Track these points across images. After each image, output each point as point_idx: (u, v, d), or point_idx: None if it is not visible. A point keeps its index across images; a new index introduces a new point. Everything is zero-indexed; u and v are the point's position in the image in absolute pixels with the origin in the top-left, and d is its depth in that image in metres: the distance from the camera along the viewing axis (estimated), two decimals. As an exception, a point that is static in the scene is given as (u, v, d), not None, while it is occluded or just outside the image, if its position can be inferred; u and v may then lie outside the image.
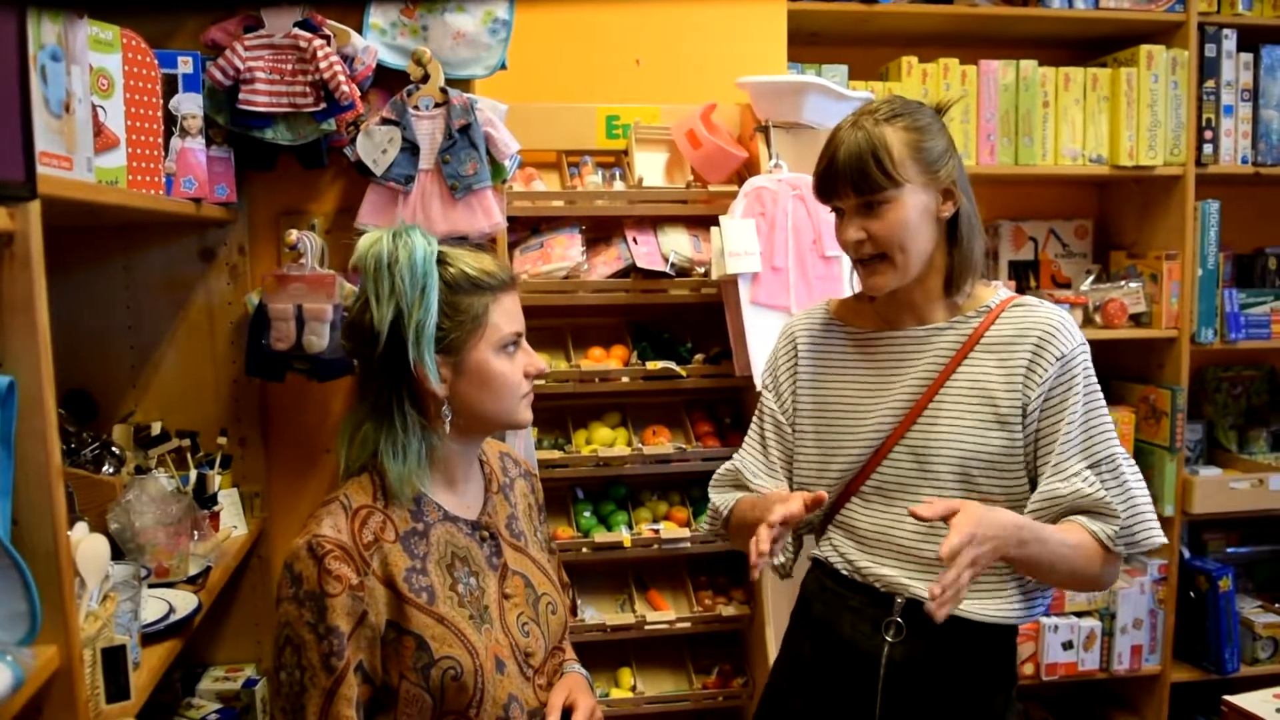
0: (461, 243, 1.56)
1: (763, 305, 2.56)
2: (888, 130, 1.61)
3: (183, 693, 2.32)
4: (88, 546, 1.44)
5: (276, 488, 2.47)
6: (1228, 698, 2.26)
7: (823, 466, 1.76)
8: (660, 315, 2.91)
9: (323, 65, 2.16)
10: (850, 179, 1.61)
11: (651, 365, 2.72)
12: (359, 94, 2.24)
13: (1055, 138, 3.09)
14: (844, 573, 1.73)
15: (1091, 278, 3.27)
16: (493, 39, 2.36)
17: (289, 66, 2.20)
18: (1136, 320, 3.16)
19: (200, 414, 2.39)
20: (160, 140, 1.88)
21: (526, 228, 2.77)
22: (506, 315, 1.49)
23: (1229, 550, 3.45)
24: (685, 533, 2.72)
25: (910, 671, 1.65)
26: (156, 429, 2.21)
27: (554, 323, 2.83)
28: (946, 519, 1.43)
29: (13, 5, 1.15)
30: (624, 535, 2.68)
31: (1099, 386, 1.65)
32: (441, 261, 1.45)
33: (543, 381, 2.62)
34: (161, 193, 1.88)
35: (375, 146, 2.28)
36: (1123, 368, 3.32)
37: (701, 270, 2.73)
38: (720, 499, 1.88)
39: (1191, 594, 3.23)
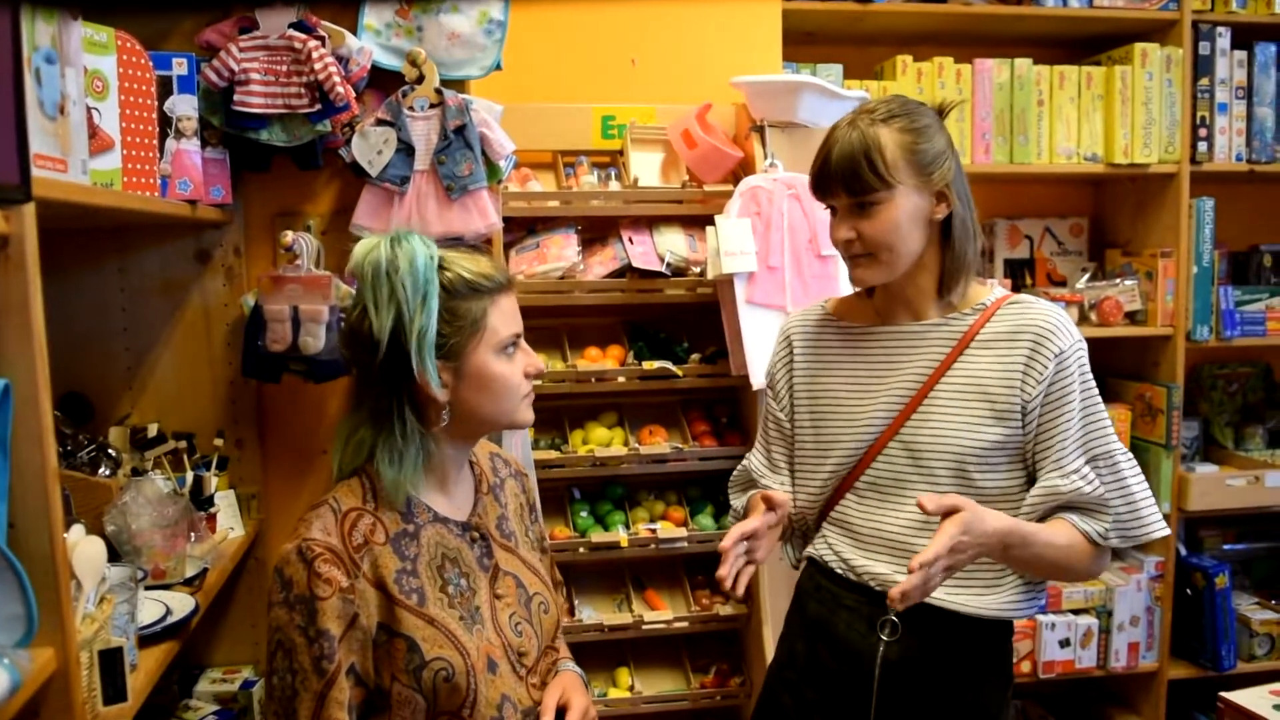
0: (457, 245, 1.55)
1: (758, 305, 2.56)
2: (883, 131, 1.61)
3: (180, 694, 2.31)
4: (84, 549, 1.44)
5: (273, 489, 2.47)
6: (1224, 694, 2.26)
7: (819, 462, 1.77)
8: (656, 315, 2.91)
9: (318, 66, 2.16)
10: (842, 179, 1.62)
11: (648, 365, 2.72)
12: (354, 95, 2.24)
13: (1050, 136, 3.09)
14: (839, 571, 1.73)
15: (1087, 276, 3.28)
16: (488, 39, 2.36)
17: (284, 68, 2.19)
18: (1132, 318, 3.16)
19: (196, 416, 2.38)
20: (155, 142, 1.88)
21: (522, 228, 2.77)
22: (505, 317, 1.49)
23: (1225, 547, 3.45)
24: (682, 532, 2.72)
25: (905, 670, 1.65)
26: (153, 431, 2.21)
27: (550, 323, 2.83)
28: (945, 515, 1.44)
29: (7, 5, 1.15)
30: (621, 535, 2.68)
31: (1095, 383, 1.66)
32: (439, 266, 1.44)
33: (539, 382, 2.60)
34: (156, 194, 1.88)
35: (370, 147, 2.28)
36: (1118, 365, 3.32)
37: (697, 270, 2.74)
38: (737, 502, 1.92)
39: (1188, 591, 3.23)
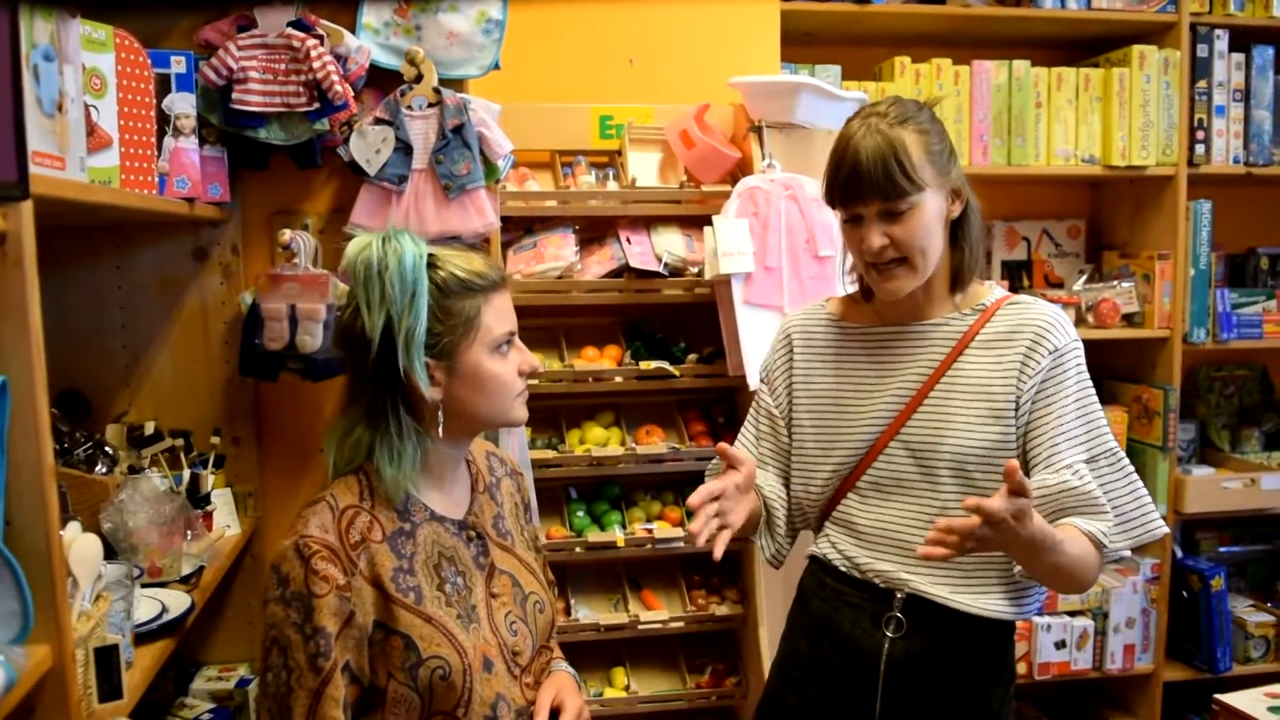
0: (451, 243, 1.55)
1: (756, 305, 2.56)
2: (904, 134, 1.60)
3: (176, 692, 2.31)
4: (80, 546, 1.44)
5: (270, 487, 2.47)
6: (1219, 696, 2.26)
7: (820, 461, 1.77)
8: (654, 315, 2.91)
9: (316, 65, 2.16)
10: (877, 185, 1.58)
11: (645, 365, 2.72)
12: (352, 94, 2.24)
13: (1048, 138, 3.10)
14: (842, 569, 1.74)
15: (1084, 277, 3.28)
16: (486, 39, 2.36)
17: (282, 66, 2.20)
18: (1129, 320, 3.17)
19: (193, 413, 2.38)
20: (153, 140, 1.88)
21: (520, 227, 2.77)
22: (498, 315, 1.49)
23: (1221, 550, 3.46)
24: (679, 532, 2.72)
25: (910, 667, 1.66)
26: (150, 428, 2.21)
27: (547, 322, 2.83)
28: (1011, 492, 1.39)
29: (6, 3, 1.15)
30: (617, 535, 2.68)
31: (1092, 383, 1.66)
32: (431, 265, 1.44)
33: (536, 381, 2.63)
34: (154, 192, 1.88)
35: (369, 146, 2.28)
36: (1115, 368, 3.33)
37: (695, 270, 2.74)
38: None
39: (1184, 593, 3.23)
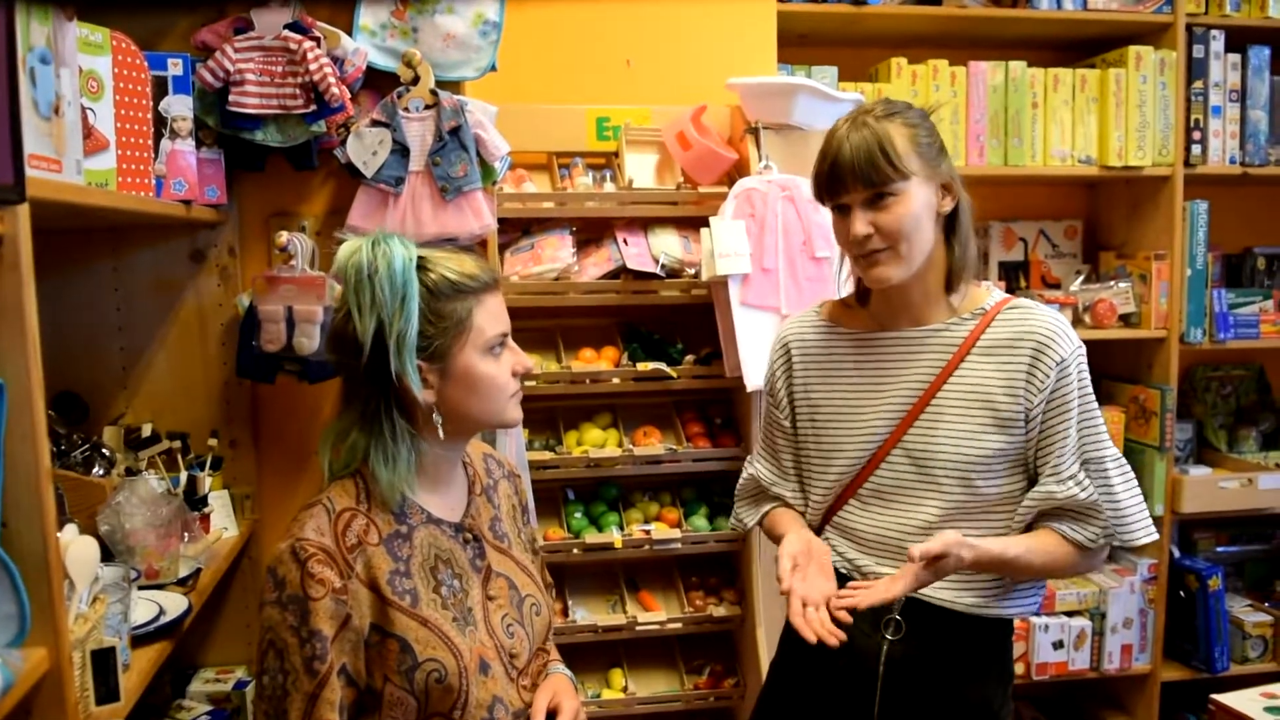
0: (442, 245, 1.54)
1: (753, 306, 2.57)
2: (889, 125, 1.62)
3: (173, 694, 2.31)
4: (77, 548, 1.44)
5: (267, 489, 2.47)
6: (1215, 696, 2.27)
7: (822, 469, 1.78)
8: (651, 316, 2.91)
9: (313, 67, 2.16)
10: (859, 172, 1.60)
11: (642, 366, 2.72)
12: (349, 96, 2.24)
13: (1044, 139, 3.10)
14: (844, 571, 1.74)
15: (1081, 278, 3.29)
16: (483, 41, 2.37)
17: (279, 68, 2.20)
18: (1126, 320, 3.17)
19: (191, 416, 2.38)
20: (150, 142, 1.88)
21: (517, 229, 2.77)
22: (491, 317, 1.49)
23: (1219, 549, 3.47)
24: (676, 534, 2.72)
25: (909, 669, 1.66)
26: (147, 431, 2.21)
27: (544, 324, 2.84)
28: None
29: (2, 5, 1.15)
30: (615, 536, 2.69)
31: (1091, 388, 1.67)
32: (422, 267, 1.43)
33: (533, 383, 2.63)
34: (151, 194, 1.88)
35: (365, 148, 2.28)
36: (1112, 368, 3.33)
37: (692, 271, 2.74)
38: (747, 516, 1.93)
39: (1181, 593, 3.24)
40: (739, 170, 2.74)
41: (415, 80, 2.30)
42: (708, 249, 2.57)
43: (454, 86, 2.37)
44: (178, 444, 2.25)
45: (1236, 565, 3.49)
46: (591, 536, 2.69)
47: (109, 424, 2.25)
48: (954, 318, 1.70)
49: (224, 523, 2.33)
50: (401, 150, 2.29)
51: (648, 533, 2.71)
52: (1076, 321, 3.13)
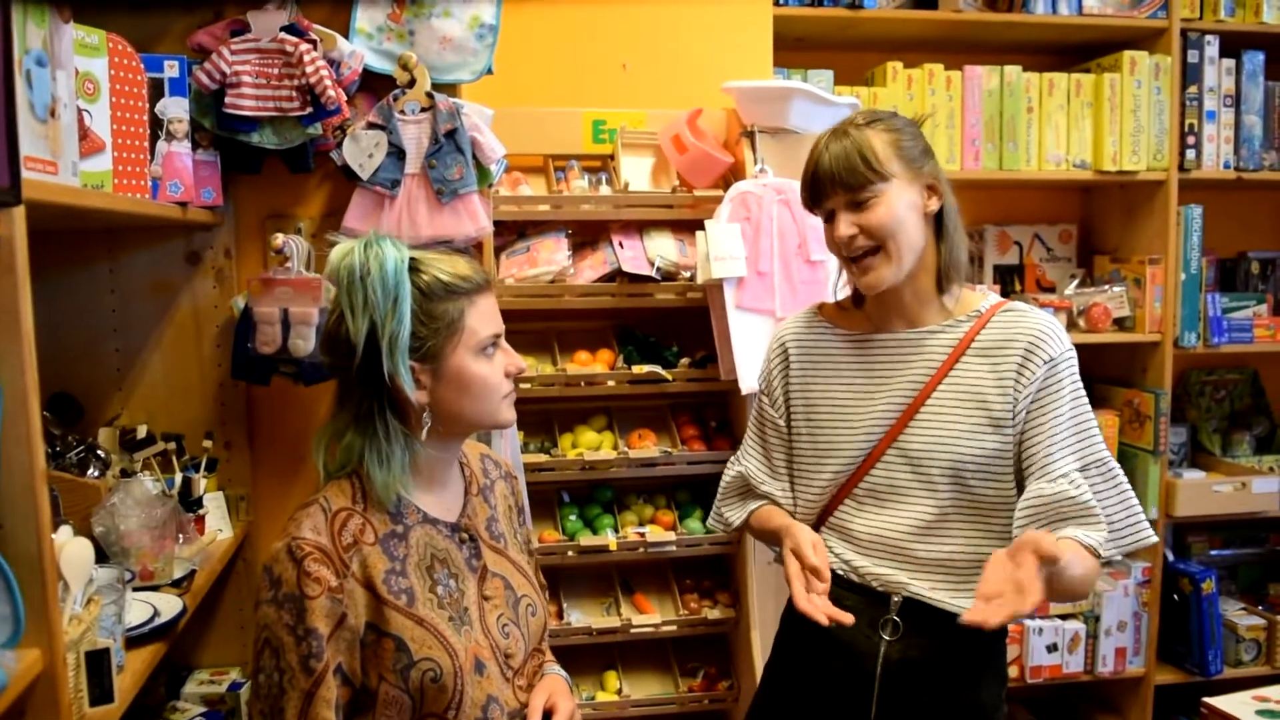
0: (435, 247, 1.55)
1: (748, 309, 2.57)
2: (869, 132, 1.66)
3: (167, 696, 2.31)
4: (72, 550, 1.44)
5: (262, 491, 2.47)
6: (1207, 699, 2.27)
7: (816, 469, 1.78)
8: (646, 319, 2.91)
9: (309, 70, 2.17)
10: (838, 178, 1.64)
11: (637, 369, 2.72)
12: (345, 98, 2.25)
13: (1039, 143, 3.11)
14: (840, 572, 1.74)
15: (1076, 282, 3.29)
16: (479, 44, 2.37)
17: (275, 71, 2.20)
18: (1120, 324, 3.18)
19: (186, 417, 2.39)
20: (146, 144, 1.88)
21: (512, 232, 2.78)
22: (483, 318, 1.49)
23: (1212, 553, 3.47)
24: (671, 536, 2.72)
25: (906, 670, 1.67)
26: (142, 432, 2.21)
27: (540, 326, 2.84)
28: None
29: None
30: (610, 539, 2.69)
31: (1085, 392, 1.67)
32: (414, 269, 1.44)
33: (528, 385, 2.63)
34: (147, 196, 1.88)
35: (361, 151, 2.29)
36: (1106, 372, 3.34)
37: (687, 274, 2.74)
38: (733, 514, 1.93)
39: (1175, 596, 3.24)
40: (734, 174, 2.75)
41: (411, 83, 2.30)
42: (703, 252, 2.58)
43: (450, 89, 2.37)
44: (173, 445, 2.25)
45: (1230, 569, 3.50)
46: (586, 539, 2.69)
47: (104, 425, 2.25)
48: (949, 320, 1.72)
49: (219, 524, 2.33)
50: (397, 153, 2.29)
51: (642, 535, 2.71)
52: (1071, 325, 3.14)
